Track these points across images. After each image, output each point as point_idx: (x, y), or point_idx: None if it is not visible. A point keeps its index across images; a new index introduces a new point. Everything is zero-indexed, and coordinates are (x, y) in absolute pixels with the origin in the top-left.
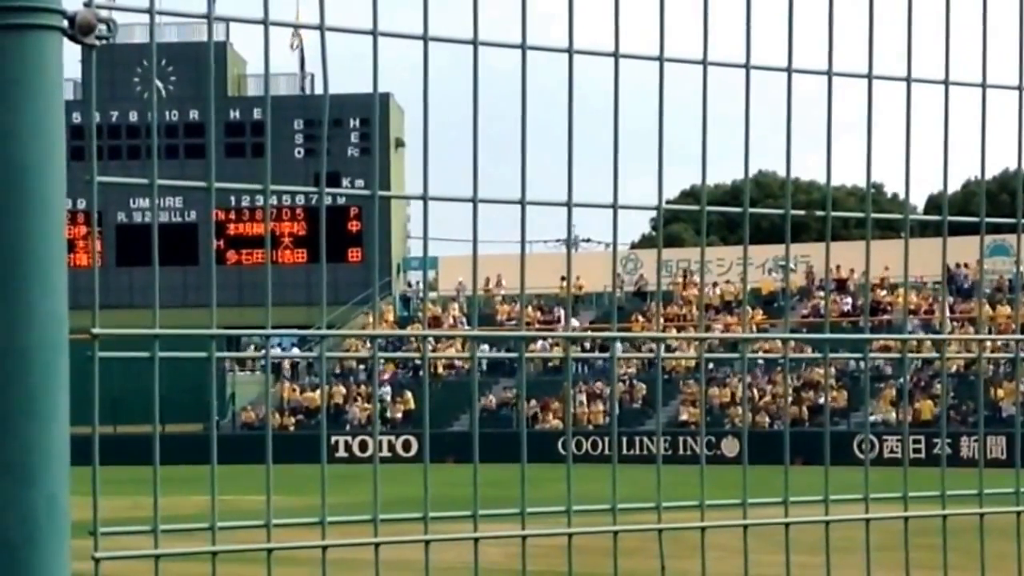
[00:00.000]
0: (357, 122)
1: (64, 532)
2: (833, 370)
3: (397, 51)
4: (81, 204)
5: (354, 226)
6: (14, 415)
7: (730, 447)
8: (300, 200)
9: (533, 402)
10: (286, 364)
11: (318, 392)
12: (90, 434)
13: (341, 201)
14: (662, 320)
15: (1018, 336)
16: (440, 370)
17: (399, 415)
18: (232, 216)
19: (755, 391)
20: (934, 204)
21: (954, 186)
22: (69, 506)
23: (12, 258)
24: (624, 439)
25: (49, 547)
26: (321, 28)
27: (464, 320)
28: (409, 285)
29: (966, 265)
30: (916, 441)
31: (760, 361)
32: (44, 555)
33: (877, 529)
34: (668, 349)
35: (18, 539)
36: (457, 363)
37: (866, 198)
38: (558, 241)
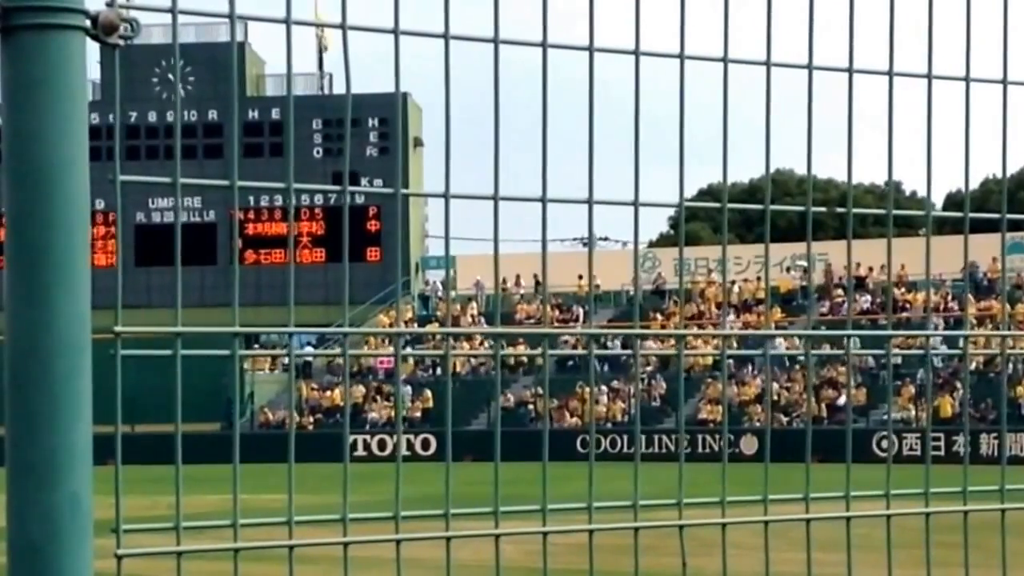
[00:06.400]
0: (375, 122)
1: (87, 531)
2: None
3: (415, 50)
4: (99, 204)
5: (373, 225)
6: (38, 415)
7: (749, 445)
8: (319, 200)
9: (553, 400)
10: (308, 363)
11: (337, 391)
12: (110, 433)
13: (360, 200)
14: (683, 318)
15: None
16: (458, 369)
17: (418, 414)
18: (251, 216)
19: (776, 386)
20: (953, 202)
21: (972, 184)
22: (92, 505)
23: (36, 258)
24: (643, 437)
25: (72, 545)
26: (343, 27)
27: (483, 320)
28: (427, 284)
29: (974, 263)
30: (935, 439)
31: (786, 359)
32: (68, 553)
33: (897, 526)
34: (688, 347)
35: (42, 538)
36: (475, 361)
37: (887, 195)
38: (575, 240)
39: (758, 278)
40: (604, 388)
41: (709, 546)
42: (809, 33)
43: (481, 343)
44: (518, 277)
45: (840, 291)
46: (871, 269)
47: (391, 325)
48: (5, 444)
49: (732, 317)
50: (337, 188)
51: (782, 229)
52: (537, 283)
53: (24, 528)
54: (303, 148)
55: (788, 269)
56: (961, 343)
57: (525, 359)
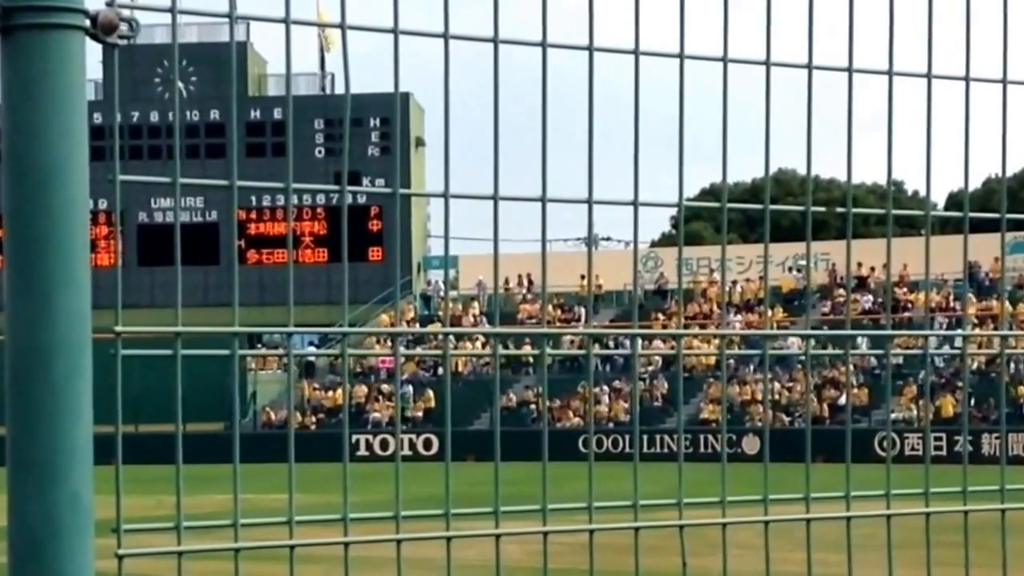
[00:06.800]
0: (377, 121)
1: (88, 530)
2: (853, 367)
3: (417, 49)
4: (102, 204)
5: (374, 225)
6: (38, 414)
7: (750, 445)
8: (320, 199)
9: (556, 400)
10: (310, 362)
11: (339, 391)
12: (112, 433)
13: (362, 200)
14: (683, 318)
15: None
16: (461, 368)
17: (419, 414)
18: (253, 216)
19: (776, 386)
20: (954, 201)
21: (974, 183)
22: (93, 504)
23: (36, 257)
24: (645, 437)
25: (73, 545)
26: (343, 27)
27: (484, 319)
28: (429, 284)
29: (976, 263)
30: (937, 439)
31: (788, 358)
32: (68, 553)
33: (898, 526)
34: (688, 347)
35: (43, 537)
36: (476, 361)
37: (887, 195)
38: (578, 240)
39: (760, 278)
40: (606, 388)
41: (711, 546)
42: (809, 33)
43: (484, 344)
44: (520, 277)
45: (842, 291)
46: (872, 269)
47: (392, 325)
48: (6, 443)
49: (739, 317)
50: (336, 188)
51: (785, 229)
52: (530, 282)
53: (25, 527)
54: (305, 148)
55: (790, 269)
56: (959, 342)
57: (529, 359)
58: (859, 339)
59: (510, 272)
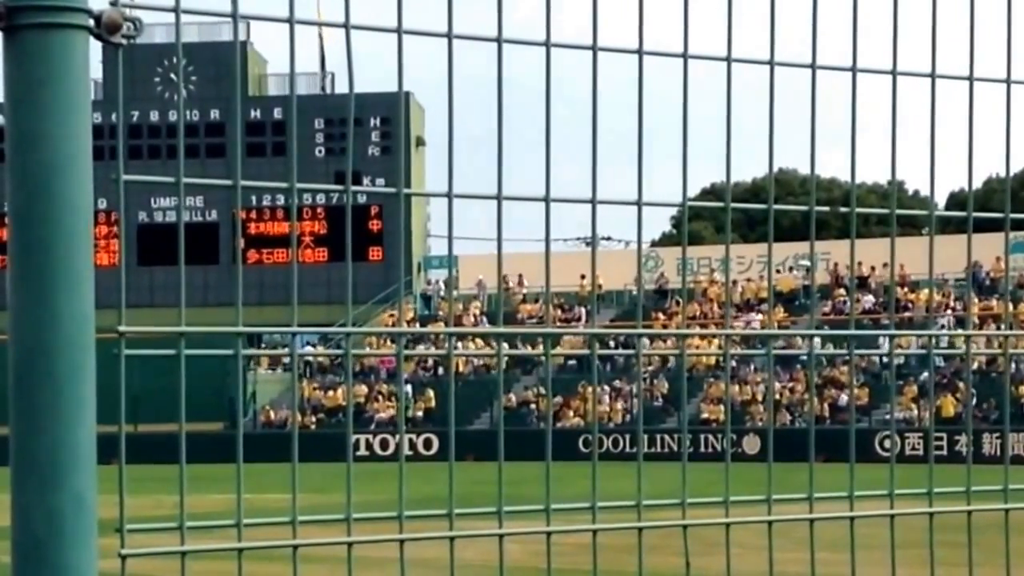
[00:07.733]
0: (377, 121)
1: (91, 530)
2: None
3: (416, 49)
4: (101, 204)
5: (375, 225)
6: (42, 414)
7: (751, 445)
8: (321, 199)
9: (557, 399)
10: (308, 362)
11: (339, 391)
12: (113, 433)
13: (362, 200)
14: (684, 318)
15: None
16: (461, 368)
17: (420, 413)
18: (253, 215)
19: (776, 386)
20: (955, 201)
21: (975, 183)
22: (96, 504)
23: (40, 257)
24: (645, 437)
25: (76, 545)
26: (346, 27)
27: (484, 319)
28: (429, 283)
29: (977, 263)
30: (938, 438)
31: (788, 359)
32: (72, 553)
33: (900, 526)
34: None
35: (46, 537)
36: (477, 361)
37: (890, 195)
38: (578, 240)
39: (760, 277)
40: (606, 388)
41: (711, 545)
42: (813, 32)
43: (488, 344)
44: (520, 277)
45: (842, 291)
46: (873, 268)
47: (393, 325)
48: (9, 443)
49: (754, 315)
50: (340, 188)
51: (784, 228)
52: (514, 283)
53: (28, 527)
54: (305, 148)
55: (791, 269)
56: (960, 341)
57: (539, 359)
58: (880, 339)
59: (510, 271)
